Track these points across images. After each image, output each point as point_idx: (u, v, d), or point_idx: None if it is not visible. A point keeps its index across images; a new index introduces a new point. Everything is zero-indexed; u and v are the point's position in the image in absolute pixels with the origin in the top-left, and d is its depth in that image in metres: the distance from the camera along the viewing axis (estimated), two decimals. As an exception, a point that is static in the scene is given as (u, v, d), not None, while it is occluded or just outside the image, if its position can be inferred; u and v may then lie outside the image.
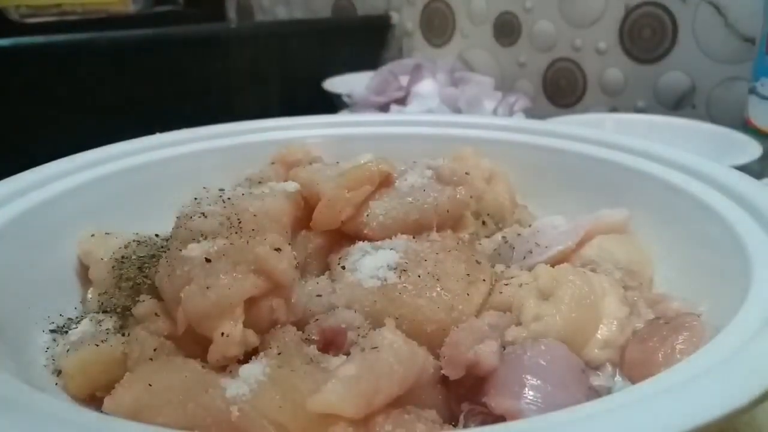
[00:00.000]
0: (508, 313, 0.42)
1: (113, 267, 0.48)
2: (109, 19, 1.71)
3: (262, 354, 0.37)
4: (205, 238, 0.41)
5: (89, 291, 0.50)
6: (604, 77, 1.26)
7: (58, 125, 0.92)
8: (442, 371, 0.38)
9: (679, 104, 1.19)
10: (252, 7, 1.94)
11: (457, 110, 1.09)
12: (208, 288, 0.38)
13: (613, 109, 1.26)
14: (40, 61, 0.94)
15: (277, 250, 0.41)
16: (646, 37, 1.19)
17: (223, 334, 0.37)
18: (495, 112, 1.10)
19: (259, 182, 0.55)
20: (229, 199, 0.46)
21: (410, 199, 0.49)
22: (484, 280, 0.43)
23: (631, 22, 1.20)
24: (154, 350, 0.39)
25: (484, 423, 0.36)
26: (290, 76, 1.33)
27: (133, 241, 0.51)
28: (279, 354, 0.37)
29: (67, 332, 0.44)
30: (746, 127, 0.91)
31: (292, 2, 1.82)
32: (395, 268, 0.42)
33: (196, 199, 0.47)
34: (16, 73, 0.92)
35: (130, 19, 1.75)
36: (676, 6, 1.14)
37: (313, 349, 0.37)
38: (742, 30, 1.08)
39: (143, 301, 0.43)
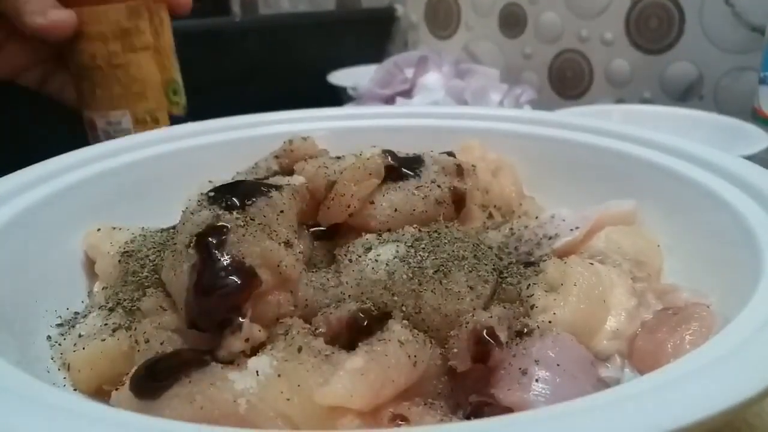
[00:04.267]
0: (515, 305, 0.42)
1: (119, 261, 0.48)
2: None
3: (269, 347, 0.37)
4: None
5: (96, 285, 0.50)
6: (611, 68, 1.25)
7: (65, 120, 0.92)
8: (450, 363, 0.38)
9: (686, 95, 1.18)
10: (256, 0, 1.93)
11: (463, 102, 1.08)
12: (214, 282, 0.38)
13: (620, 100, 1.25)
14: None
15: (284, 244, 0.41)
16: (653, 27, 1.18)
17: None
18: (501, 104, 1.09)
19: (265, 176, 0.55)
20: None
21: (416, 191, 0.48)
22: (491, 272, 0.43)
23: (638, 12, 1.19)
24: (161, 344, 0.39)
25: (491, 415, 0.36)
26: (295, 70, 1.33)
27: (140, 235, 0.51)
28: (286, 347, 0.37)
29: (74, 326, 0.45)
30: (755, 116, 0.90)
31: (297, -5, 1.82)
32: (402, 261, 0.42)
33: (202, 192, 0.47)
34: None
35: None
36: (682, -5, 1.13)
37: (320, 342, 0.37)
38: (750, 19, 1.07)
39: (150, 295, 0.43)
